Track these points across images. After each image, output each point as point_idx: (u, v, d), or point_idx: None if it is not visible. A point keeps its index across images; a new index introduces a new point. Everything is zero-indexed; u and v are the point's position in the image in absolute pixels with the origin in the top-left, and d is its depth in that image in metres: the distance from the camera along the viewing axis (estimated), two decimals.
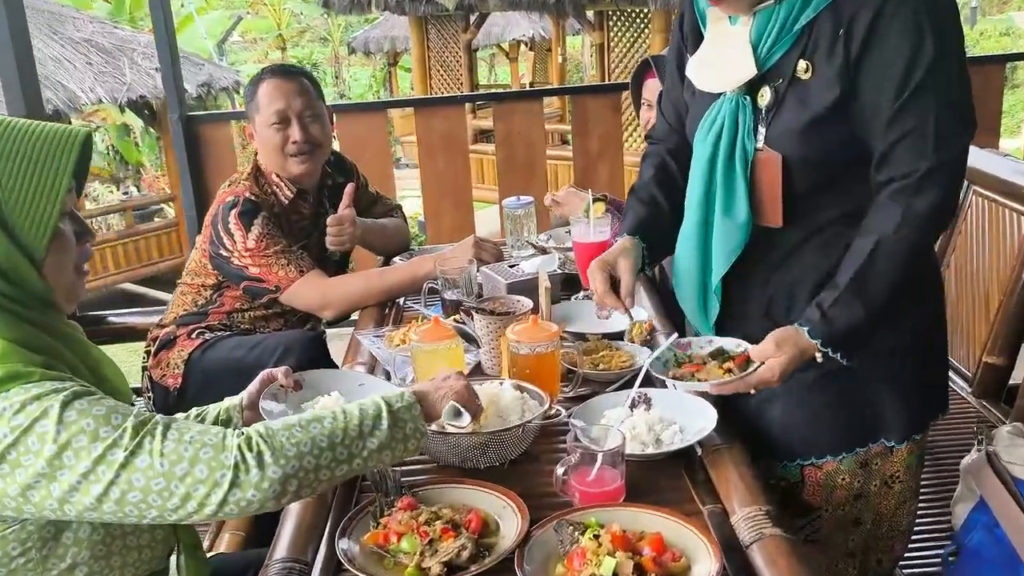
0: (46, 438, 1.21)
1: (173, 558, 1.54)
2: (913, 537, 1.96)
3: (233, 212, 2.52)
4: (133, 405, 1.52)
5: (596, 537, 1.29)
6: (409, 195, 6.49)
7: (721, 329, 1.82)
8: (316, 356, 2.50)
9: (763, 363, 1.61)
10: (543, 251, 2.66)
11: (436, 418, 1.47)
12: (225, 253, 2.54)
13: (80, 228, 1.38)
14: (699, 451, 1.64)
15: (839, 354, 1.60)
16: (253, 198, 2.56)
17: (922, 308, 1.75)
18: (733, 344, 1.72)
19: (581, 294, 2.42)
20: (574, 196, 2.70)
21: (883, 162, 1.58)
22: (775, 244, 1.72)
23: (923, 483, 1.95)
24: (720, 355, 1.69)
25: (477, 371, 2.03)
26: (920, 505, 1.93)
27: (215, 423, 1.71)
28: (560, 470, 1.47)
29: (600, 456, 1.47)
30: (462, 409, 1.46)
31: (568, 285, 2.51)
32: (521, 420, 1.60)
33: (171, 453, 1.24)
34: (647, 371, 1.74)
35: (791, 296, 1.73)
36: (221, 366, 2.53)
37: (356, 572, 1.32)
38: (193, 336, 2.64)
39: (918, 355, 1.75)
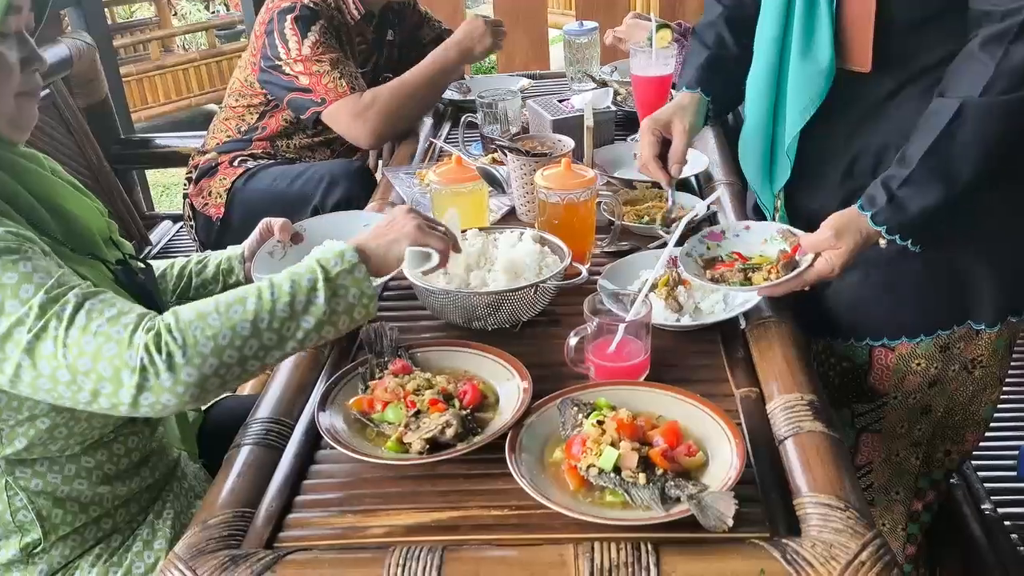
0: None
1: None
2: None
3: (290, 17, 2.30)
4: (110, 243, 1.39)
5: (600, 423, 1.12)
6: None
7: (790, 198, 1.57)
8: (364, 188, 2.33)
9: (818, 255, 1.36)
10: (604, 85, 2.39)
11: (389, 271, 1.27)
12: (278, 62, 2.33)
13: (27, 54, 1.21)
14: (743, 324, 1.43)
15: (909, 242, 1.34)
16: (312, 5, 2.33)
17: None
18: (776, 231, 1.47)
19: (639, 134, 2.17)
20: (638, 28, 2.39)
21: None
22: (861, 94, 1.43)
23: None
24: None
25: (511, 218, 1.84)
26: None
27: (216, 273, 1.58)
28: (573, 340, 1.29)
29: (620, 327, 1.28)
30: (429, 251, 1.26)
31: (625, 124, 2.26)
32: (535, 279, 1.41)
33: (74, 344, 1.08)
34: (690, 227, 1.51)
35: (878, 158, 1.45)
36: (263, 197, 2.40)
37: (333, 444, 1.18)
38: (235, 164, 2.50)
39: (1022, 224, 1.48)
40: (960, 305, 1.50)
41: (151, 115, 6.85)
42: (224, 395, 1.81)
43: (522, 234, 1.51)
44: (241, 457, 1.20)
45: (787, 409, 1.20)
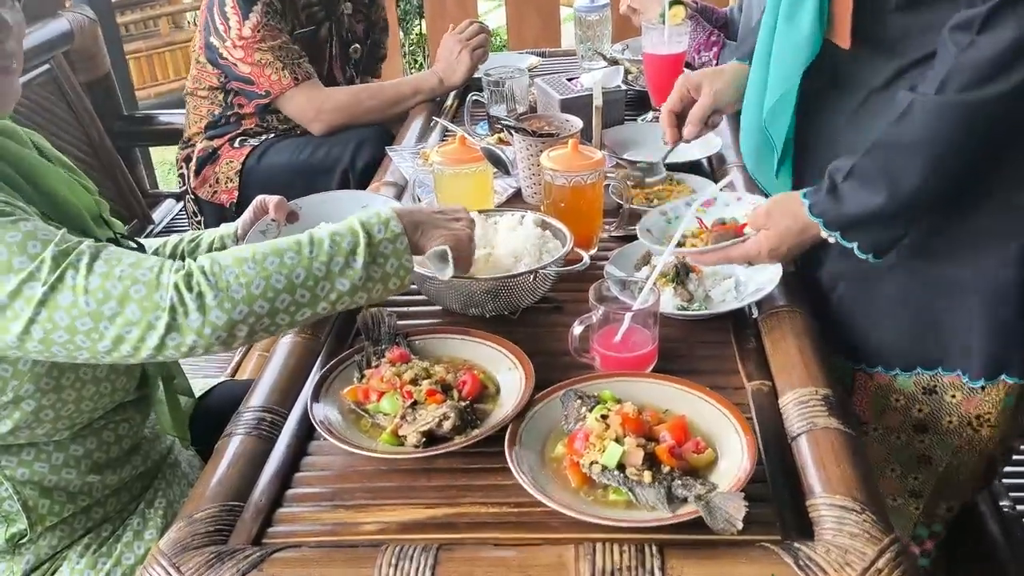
0: None
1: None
2: None
3: None
4: (100, 221, 1.35)
5: (604, 418, 1.07)
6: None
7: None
8: None
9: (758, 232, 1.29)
10: (615, 64, 2.32)
11: (418, 254, 1.23)
12: (215, 41, 2.26)
13: None
14: (755, 313, 1.38)
15: (855, 245, 1.22)
16: None
17: None
18: (752, 203, 1.42)
19: (649, 115, 2.11)
20: (654, 1, 2.31)
21: None
22: (855, 82, 1.31)
23: None
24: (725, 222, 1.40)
25: (517, 200, 1.79)
26: None
27: (209, 252, 1.52)
28: (577, 329, 1.23)
29: (627, 316, 1.23)
30: (450, 257, 1.21)
31: (636, 104, 2.19)
32: (535, 265, 1.35)
33: (97, 290, 1.05)
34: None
35: None
36: (284, 170, 2.33)
37: (326, 436, 1.13)
38: (237, 144, 2.41)
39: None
40: (942, 345, 1.34)
41: (161, 91, 6.79)
42: (221, 379, 1.77)
43: (523, 217, 1.46)
44: (231, 448, 1.16)
45: (800, 404, 1.15)
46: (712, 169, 1.87)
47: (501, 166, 1.56)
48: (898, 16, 1.24)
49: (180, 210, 2.98)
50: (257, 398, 1.25)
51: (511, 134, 1.75)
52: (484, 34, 2.33)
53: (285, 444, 1.17)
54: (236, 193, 2.38)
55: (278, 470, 1.13)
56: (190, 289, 1.07)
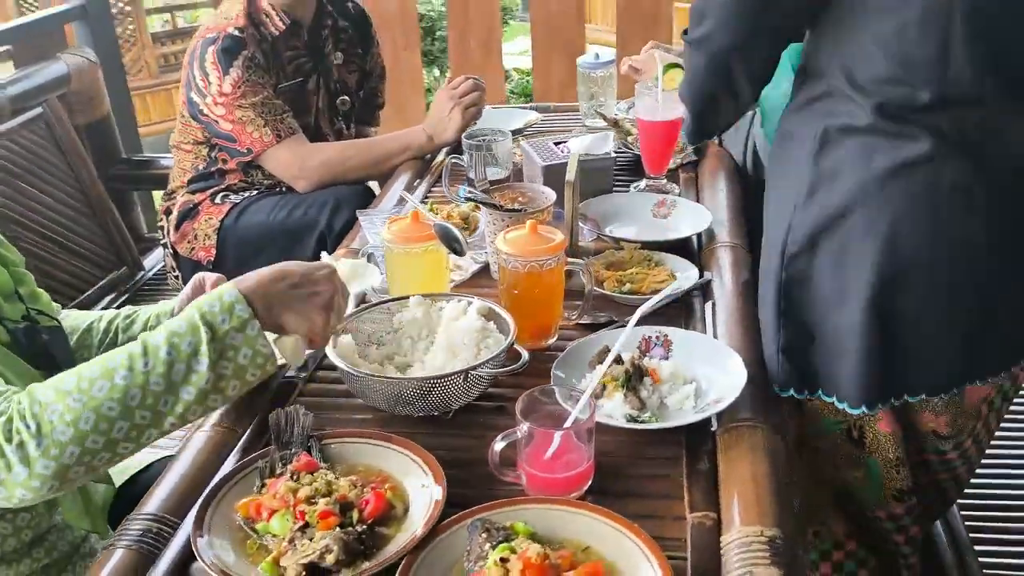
0: None
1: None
2: None
3: (211, 49, 2.15)
4: (14, 297, 1.26)
5: (504, 561, 0.93)
6: None
7: None
8: None
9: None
10: (615, 125, 2.20)
11: (280, 330, 1.10)
12: (196, 97, 2.18)
13: None
14: (715, 425, 1.23)
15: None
16: (237, 33, 2.16)
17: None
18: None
19: (642, 183, 1.98)
20: (655, 61, 2.18)
21: None
22: None
23: None
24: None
25: (484, 275, 1.67)
26: None
27: (144, 331, 1.42)
28: (498, 446, 1.10)
29: (556, 435, 1.09)
30: (303, 350, 1.10)
31: (635, 169, 2.06)
32: (472, 361, 1.23)
33: None
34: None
35: None
36: (261, 231, 2.25)
37: (203, 563, 1.01)
38: (218, 201, 2.34)
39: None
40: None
41: None
42: (166, 454, 1.67)
43: (469, 304, 1.34)
44: (110, 563, 1.05)
45: (742, 547, 1.00)
46: (700, 248, 1.73)
47: (456, 245, 1.44)
48: None
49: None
50: (152, 503, 1.14)
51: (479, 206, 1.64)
52: (478, 91, 2.22)
53: (167, 562, 1.06)
54: (214, 251, 2.30)
55: None
56: (9, 439, 0.97)
